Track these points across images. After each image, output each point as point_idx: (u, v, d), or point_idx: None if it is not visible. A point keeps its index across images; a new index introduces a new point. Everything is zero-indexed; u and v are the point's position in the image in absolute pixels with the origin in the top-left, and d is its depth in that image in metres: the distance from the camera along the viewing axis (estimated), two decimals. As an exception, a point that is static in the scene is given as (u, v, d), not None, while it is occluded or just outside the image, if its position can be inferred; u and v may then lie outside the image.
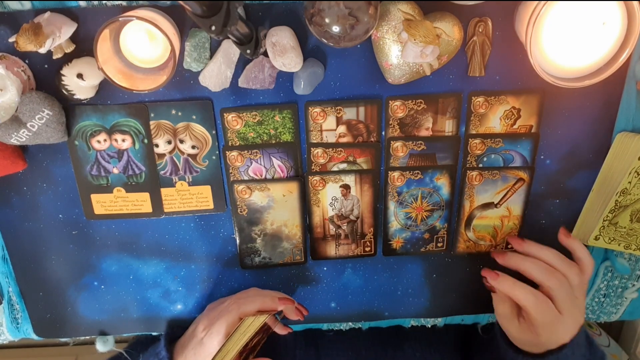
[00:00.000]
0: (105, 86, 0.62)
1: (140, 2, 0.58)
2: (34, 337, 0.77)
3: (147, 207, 0.68)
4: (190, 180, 0.67)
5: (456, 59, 0.61)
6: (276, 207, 0.69)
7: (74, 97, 0.61)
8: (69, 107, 0.62)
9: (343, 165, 0.67)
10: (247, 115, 0.64)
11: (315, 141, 0.66)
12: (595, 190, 0.69)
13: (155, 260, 0.72)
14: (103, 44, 0.55)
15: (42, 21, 0.54)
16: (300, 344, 0.79)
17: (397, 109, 0.64)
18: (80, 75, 0.58)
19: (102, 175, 0.66)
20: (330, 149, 0.66)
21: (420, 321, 0.80)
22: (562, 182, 0.69)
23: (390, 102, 0.64)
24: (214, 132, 0.65)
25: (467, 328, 0.83)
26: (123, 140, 0.65)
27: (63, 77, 0.59)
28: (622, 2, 0.54)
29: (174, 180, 0.67)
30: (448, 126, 0.66)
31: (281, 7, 0.59)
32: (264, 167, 0.67)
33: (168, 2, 0.58)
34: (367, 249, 0.73)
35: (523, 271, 0.65)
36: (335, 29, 0.53)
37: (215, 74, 0.60)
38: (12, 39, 0.55)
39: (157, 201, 0.68)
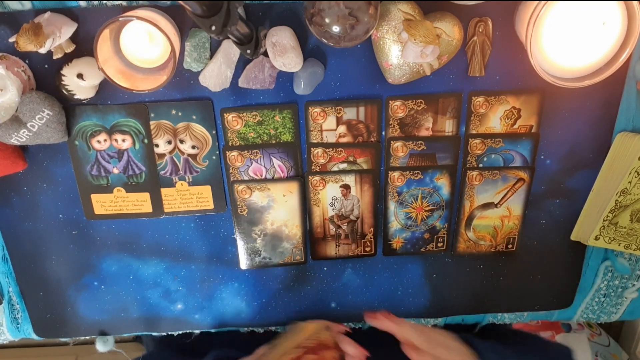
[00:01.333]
0: (105, 86, 0.62)
1: (140, 2, 0.58)
2: (34, 337, 0.77)
3: (147, 207, 0.68)
4: (190, 180, 0.67)
5: (456, 59, 0.61)
6: (276, 207, 0.69)
7: (74, 97, 0.61)
8: (69, 107, 0.62)
9: (343, 165, 0.67)
10: (247, 115, 0.64)
11: (315, 141, 0.66)
12: (595, 190, 0.69)
13: (155, 260, 0.72)
14: (103, 44, 0.55)
15: (42, 21, 0.54)
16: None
17: (397, 109, 0.64)
18: (80, 75, 0.58)
19: (102, 175, 0.66)
20: (330, 149, 0.66)
21: (420, 321, 0.80)
22: (562, 182, 0.69)
23: (390, 102, 0.64)
24: (214, 132, 0.65)
25: (467, 328, 0.83)
26: (123, 140, 0.65)
27: (63, 77, 0.59)
28: (622, 2, 0.54)
29: (174, 180, 0.67)
30: (448, 126, 0.66)
31: (281, 7, 0.59)
32: (264, 167, 0.67)
33: (168, 2, 0.58)
34: (367, 249, 0.73)
35: None
36: (335, 29, 0.53)
37: (215, 74, 0.60)
38: (12, 39, 0.55)
39: (157, 201, 0.68)
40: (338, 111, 0.64)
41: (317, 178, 0.68)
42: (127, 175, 0.67)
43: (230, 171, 0.67)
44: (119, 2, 0.58)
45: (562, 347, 0.77)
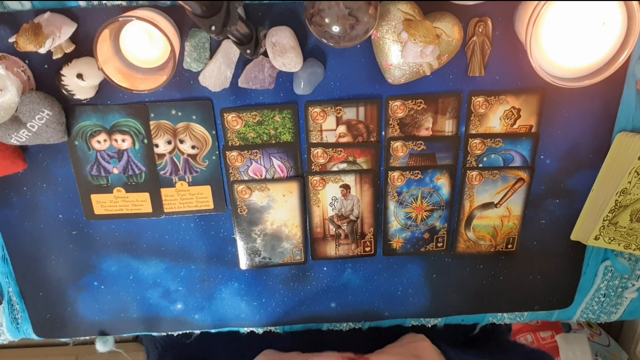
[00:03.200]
0: (105, 86, 0.62)
1: (140, 2, 0.58)
2: (34, 337, 0.77)
3: (147, 207, 0.68)
4: (190, 180, 0.67)
5: (456, 59, 0.61)
6: (276, 207, 0.69)
7: (74, 97, 0.61)
8: (69, 107, 0.62)
9: (343, 165, 0.67)
10: (247, 115, 0.64)
11: (315, 141, 0.66)
12: (595, 190, 0.69)
13: (155, 260, 0.72)
14: (103, 44, 0.55)
15: (42, 21, 0.54)
16: (300, 345, 0.79)
17: (397, 109, 0.64)
18: (80, 75, 0.58)
19: (102, 176, 0.66)
20: (330, 149, 0.66)
21: (420, 321, 0.80)
22: (562, 182, 0.69)
23: (390, 102, 0.64)
24: (214, 132, 0.65)
25: (467, 328, 0.83)
26: (123, 141, 0.65)
27: (63, 77, 0.59)
28: (622, 2, 0.54)
29: (174, 180, 0.67)
30: (448, 126, 0.66)
31: (281, 7, 0.59)
32: (264, 167, 0.67)
33: (168, 2, 0.58)
34: (367, 249, 0.73)
35: None
36: (335, 29, 0.53)
37: (215, 74, 0.60)
38: (12, 39, 0.55)
39: (157, 201, 0.68)
40: (338, 111, 0.64)
41: (317, 178, 0.68)
42: (127, 176, 0.67)
43: (230, 171, 0.67)
44: (119, 2, 0.58)
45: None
